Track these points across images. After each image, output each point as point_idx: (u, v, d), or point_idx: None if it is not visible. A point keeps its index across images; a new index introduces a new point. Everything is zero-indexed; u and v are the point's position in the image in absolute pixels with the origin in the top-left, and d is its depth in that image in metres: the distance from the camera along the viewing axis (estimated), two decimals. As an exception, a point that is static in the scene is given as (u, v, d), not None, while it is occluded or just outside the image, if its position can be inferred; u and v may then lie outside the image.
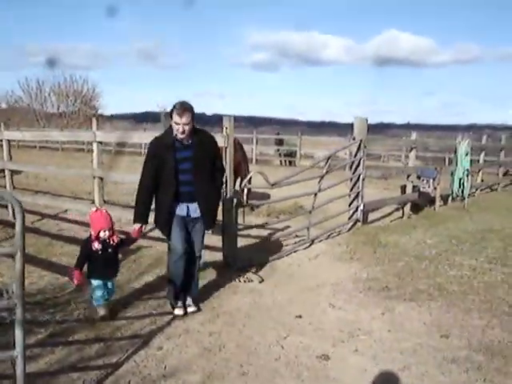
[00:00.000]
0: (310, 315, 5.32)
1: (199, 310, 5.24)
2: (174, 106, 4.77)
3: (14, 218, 8.83)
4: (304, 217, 8.70)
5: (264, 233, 8.86)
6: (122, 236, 5.27)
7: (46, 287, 5.90)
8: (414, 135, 11.09)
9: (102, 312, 4.92)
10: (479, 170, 14.67)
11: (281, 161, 26.51)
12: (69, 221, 9.64)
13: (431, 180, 11.92)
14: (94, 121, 7.83)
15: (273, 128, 43.15)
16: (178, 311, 5.11)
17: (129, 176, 8.64)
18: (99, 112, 47.20)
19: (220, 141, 6.71)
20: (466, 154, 12.30)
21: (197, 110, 4.89)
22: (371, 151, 21.68)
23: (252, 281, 6.35)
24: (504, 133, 19.10)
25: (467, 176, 12.33)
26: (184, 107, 4.75)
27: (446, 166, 19.37)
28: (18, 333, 3.02)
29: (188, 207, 4.98)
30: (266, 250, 7.79)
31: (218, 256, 6.91)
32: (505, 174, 16.89)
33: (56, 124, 42.99)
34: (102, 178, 7.83)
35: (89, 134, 8.10)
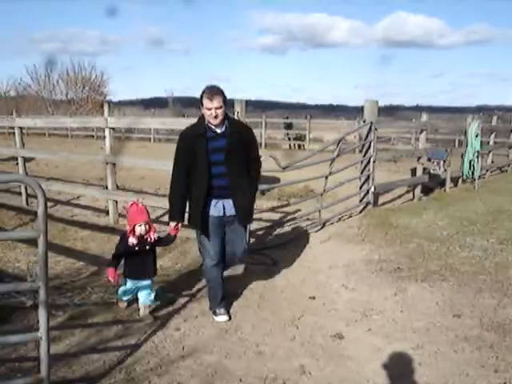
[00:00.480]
0: (323, 296, 5.40)
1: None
2: (203, 91, 4.39)
3: (27, 205, 8.94)
4: (314, 200, 8.75)
5: (275, 216, 8.94)
6: (161, 234, 4.97)
7: (63, 272, 6.02)
8: (424, 117, 11.06)
9: (122, 305, 4.90)
10: (489, 152, 14.63)
11: (290, 145, 26.55)
12: (82, 207, 9.76)
13: (442, 162, 11.93)
14: (106, 106, 7.88)
15: (281, 112, 43.04)
16: (221, 318, 4.75)
17: (140, 161, 8.74)
18: (108, 98, 47.28)
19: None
20: (477, 136, 12.27)
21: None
22: (380, 134, 21.67)
23: (265, 263, 6.44)
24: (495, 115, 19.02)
25: (477, 158, 12.31)
26: (214, 90, 4.38)
27: (455, 147, 19.33)
28: (42, 314, 3.10)
29: (224, 205, 4.56)
30: (277, 233, 7.88)
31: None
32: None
33: (64, 111, 42.99)
34: (114, 164, 7.91)
35: (101, 120, 8.16)
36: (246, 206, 4.65)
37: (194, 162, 4.45)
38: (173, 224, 4.61)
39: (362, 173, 9.20)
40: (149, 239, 4.66)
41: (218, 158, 4.45)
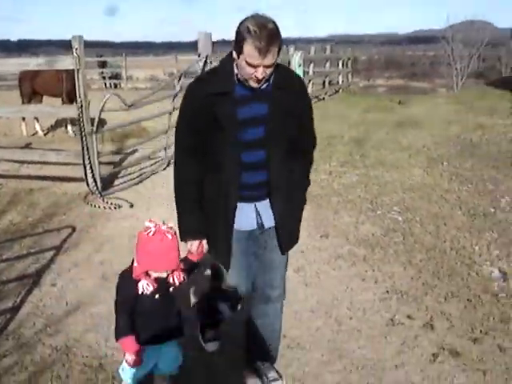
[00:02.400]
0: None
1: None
2: (248, 29, 2.23)
3: None
4: (156, 139, 8.53)
5: (117, 158, 8.56)
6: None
7: None
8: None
9: None
10: (310, 81, 15.35)
11: (105, 83, 25.37)
12: None
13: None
14: None
15: (90, 50, 40.94)
16: None
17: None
18: None
19: (70, 63, 6.28)
20: (299, 66, 12.78)
21: None
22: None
23: (121, 206, 6.20)
24: (312, 45, 20.14)
25: (301, 87, 12.85)
26: (271, 35, 2.23)
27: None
28: None
29: (259, 212, 2.66)
30: (125, 175, 7.59)
31: (78, 186, 6.62)
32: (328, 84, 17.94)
33: None
34: None
35: None
36: (292, 218, 2.77)
37: (215, 140, 2.50)
38: (194, 246, 2.65)
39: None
40: (172, 281, 2.56)
41: (254, 134, 2.49)
